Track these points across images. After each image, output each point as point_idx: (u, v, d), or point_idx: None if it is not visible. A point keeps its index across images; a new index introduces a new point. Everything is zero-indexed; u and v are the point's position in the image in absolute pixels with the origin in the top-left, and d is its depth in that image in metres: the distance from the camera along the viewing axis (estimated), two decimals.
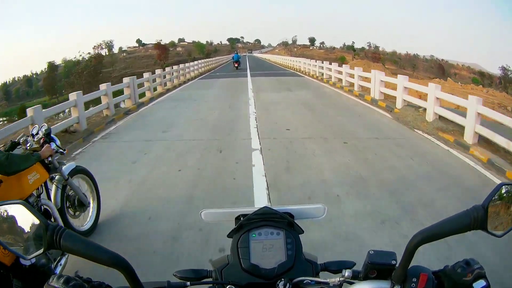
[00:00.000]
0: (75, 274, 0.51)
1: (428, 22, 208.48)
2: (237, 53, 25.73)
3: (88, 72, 52.15)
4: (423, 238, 0.49)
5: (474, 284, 0.48)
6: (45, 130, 2.20)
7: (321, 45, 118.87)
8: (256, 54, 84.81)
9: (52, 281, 0.49)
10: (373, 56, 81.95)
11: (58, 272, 1.94)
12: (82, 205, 2.48)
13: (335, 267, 0.60)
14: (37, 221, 0.49)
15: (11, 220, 0.51)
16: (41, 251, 0.49)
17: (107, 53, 79.80)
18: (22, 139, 2.18)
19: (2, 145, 2.29)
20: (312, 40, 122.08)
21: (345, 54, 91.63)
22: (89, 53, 65.79)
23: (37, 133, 2.20)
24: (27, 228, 0.51)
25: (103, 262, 0.48)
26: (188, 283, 0.56)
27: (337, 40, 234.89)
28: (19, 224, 0.51)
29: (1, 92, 64.91)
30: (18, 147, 2.17)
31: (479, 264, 0.51)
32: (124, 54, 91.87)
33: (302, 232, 0.63)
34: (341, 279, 0.55)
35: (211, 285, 0.58)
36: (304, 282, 0.55)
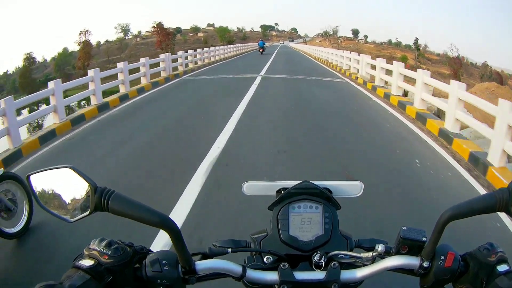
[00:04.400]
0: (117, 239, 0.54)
1: (479, 24, 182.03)
2: (262, 41, 32.86)
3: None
4: (451, 216, 0.53)
5: (497, 267, 0.52)
6: None
7: (365, 39, 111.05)
8: (293, 44, 73.77)
9: (93, 244, 0.52)
10: (454, 63, 65.46)
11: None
12: (8, 210, 2.69)
13: (368, 245, 0.63)
14: (85, 184, 0.53)
15: (59, 183, 0.55)
16: (86, 213, 0.53)
17: (117, 38, 75.20)
18: None
19: None
20: (355, 32, 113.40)
21: (397, 52, 77.65)
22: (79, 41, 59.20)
23: None
24: (74, 191, 0.55)
25: (151, 223, 0.52)
26: (229, 250, 0.61)
27: (378, 34, 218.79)
28: (66, 188, 0.55)
29: None
30: None
31: (501, 248, 0.54)
32: (138, 39, 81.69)
33: (340, 207, 0.66)
34: (374, 254, 0.58)
35: (250, 253, 0.62)
36: (339, 256, 0.59)
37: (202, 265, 0.56)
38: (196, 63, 16.21)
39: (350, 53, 14.19)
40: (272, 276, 0.56)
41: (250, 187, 0.71)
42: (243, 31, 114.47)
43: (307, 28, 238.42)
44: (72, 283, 0.47)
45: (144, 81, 10.08)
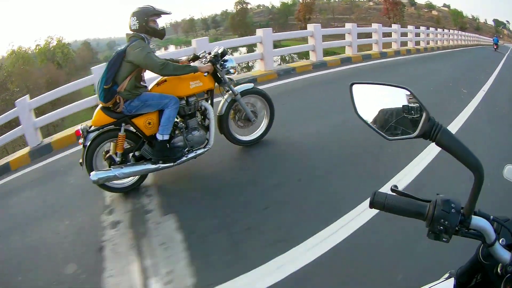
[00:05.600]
0: None
1: None
2: (496, 37, 29.16)
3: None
4: None
5: None
6: (219, 52, 2.87)
7: None
8: None
9: None
10: None
11: (181, 160, 2.75)
12: (248, 120, 3.12)
13: None
14: (415, 108, 0.58)
15: (382, 99, 0.62)
16: (411, 136, 0.59)
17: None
18: (201, 54, 3.00)
19: (191, 55, 3.05)
20: None
21: None
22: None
23: (209, 53, 2.93)
24: (398, 112, 0.60)
25: (466, 164, 0.56)
26: None
27: None
28: (389, 106, 0.61)
29: None
30: (198, 59, 3.00)
31: None
32: (371, 3, 73.21)
33: None
34: None
35: None
36: None
37: (479, 222, 0.58)
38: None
39: None
40: None
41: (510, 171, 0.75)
42: (477, 20, 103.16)
43: None
44: None
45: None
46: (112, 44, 69.01)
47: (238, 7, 59.00)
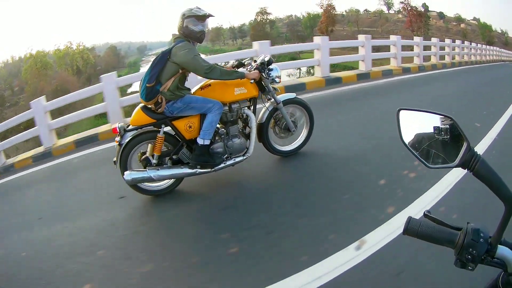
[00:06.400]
0: None
1: None
2: None
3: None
4: None
5: None
6: (266, 60, 2.83)
7: None
8: None
9: None
10: None
11: (220, 167, 2.70)
12: (287, 130, 3.05)
13: None
14: (457, 138, 0.60)
15: (425, 127, 0.63)
16: (450, 165, 0.60)
17: (377, 10, 66.40)
18: (247, 62, 2.99)
19: (236, 61, 3.02)
20: None
21: None
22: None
23: (255, 60, 2.91)
24: (440, 140, 0.62)
25: (502, 197, 0.57)
26: None
27: None
28: (432, 133, 0.62)
29: None
30: (244, 66, 2.95)
31: None
32: (400, 15, 70.24)
33: None
34: None
35: None
36: None
37: (504, 252, 0.58)
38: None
39: None
40: None
41: None
42: (505, 34, 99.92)
43: None
44: None
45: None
46: (143, 49, 70.89)
47: (259, 18, 58.69)
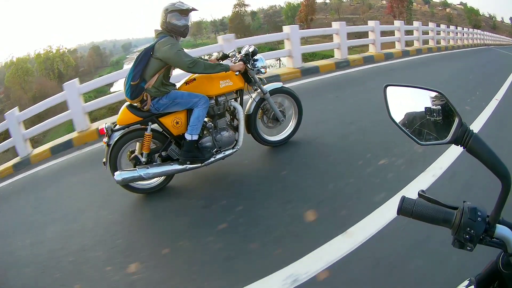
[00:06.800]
0: None
1: None
2: None
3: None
4: None
5: None
6: (250, 51, 2.82)
7: None
8: None
9: None
10: None
11: (210, 161, 2.69)
12: (276, 120, 3.06)
13: None
14: (447, 113, 0.58)
15: (416, 102, 0.61)
16: (443, 141, 0.58)
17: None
18: (231, 53, 2.96)
19: (219, 54, 3.00)
20: None
21: None
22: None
23: (239, 52, 2.89)
24: (429, 116, 0.59)
25: (495, 171, 0.55)
26: None
27: None
28: (422, 109, 0.60)
29: None
30: (228, 58, 2.96)
31: None
32: (384, 1, 68.34)
33: None
34: None
35: None
36: None
37: (504, 231, 0.57)
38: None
39: None
40: None
41: None
42: (493, 19, 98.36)
43: None
44: None
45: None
46: (128, 46, 69.67)
47: (237, 10, 57.49)
